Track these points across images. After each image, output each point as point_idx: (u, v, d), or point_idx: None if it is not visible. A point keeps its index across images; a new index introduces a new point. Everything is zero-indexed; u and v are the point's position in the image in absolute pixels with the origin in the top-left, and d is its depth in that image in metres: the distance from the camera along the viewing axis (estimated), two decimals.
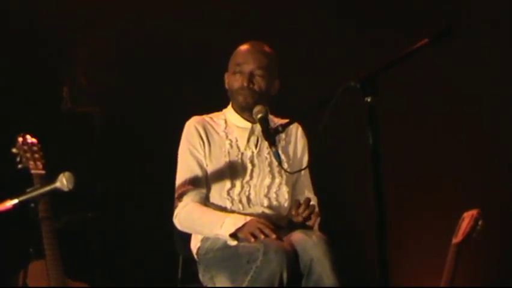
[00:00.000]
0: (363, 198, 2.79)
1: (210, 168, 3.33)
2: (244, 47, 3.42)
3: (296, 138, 3.49)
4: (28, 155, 3.36)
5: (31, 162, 3.34)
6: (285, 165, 3.33)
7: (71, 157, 4.18)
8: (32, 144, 3.39)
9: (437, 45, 2.39)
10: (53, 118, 4.57)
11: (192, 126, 3.39)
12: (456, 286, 3.33)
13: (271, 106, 3.38)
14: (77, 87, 4.67)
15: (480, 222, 3.31)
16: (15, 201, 2.81)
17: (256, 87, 3.34)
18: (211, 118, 3.45)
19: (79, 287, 3.47)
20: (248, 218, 3.14)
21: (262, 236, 3.03)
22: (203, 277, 3.27)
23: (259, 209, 3.29)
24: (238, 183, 3.30)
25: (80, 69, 4.68)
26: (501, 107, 4.59)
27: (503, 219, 4.46)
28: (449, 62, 4.52)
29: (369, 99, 2.34)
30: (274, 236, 3.03)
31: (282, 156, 3.32)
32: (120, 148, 4.72)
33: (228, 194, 3.29)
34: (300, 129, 3.51)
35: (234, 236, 3.12)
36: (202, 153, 3.34)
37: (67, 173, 2.87)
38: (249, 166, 3.33)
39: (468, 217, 3.36)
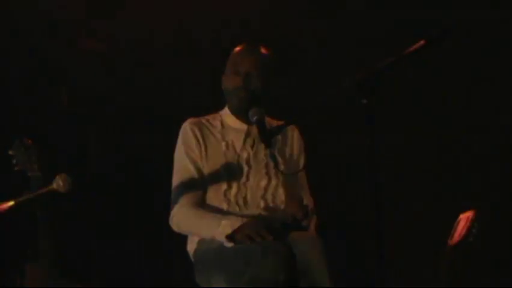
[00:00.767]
0: (363, 198, 2.79)
1: (206, 169, 3.31)
2: (240, 48, 3.40)
3: (292, 140, 3.47)
4: (25, 157, 3.36)
5: (28, 165, 3.34)
6: (281, 167, 3.31)
7: (70, 158, 4.18)
8: (29, 146, 3.40)
9: (436, 46, 2.39)
10: (52, 118, 4.57)
11: (188, 128, 3.37)
12: (454, 287, 3.33)
13: (268, 108, 3.35)
14: (76, 88, 4.68)
15: (476, 224, 3.30)
16: (12, 203, 2.82)
17: (252, 87, 3.31)
18: (207, 120, 3.43)
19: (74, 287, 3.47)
20: (245, 220, 3.13)
21: (258, 238, 3.03)
22: (199, 278, 3.27)
23: (255, 211, 3.27)
24: (234, 184, 3.28)
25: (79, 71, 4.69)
26: (501, 107, 4.58)
27: (503, 219, 4.46)
28: (448, 62, 4.51)
29: (365, 101, 2.35)
30: (270, 237, 3.02)
31: (278, 158, 3.31)
32: (120, 148, 4.73)
33: (225, 195, 3.28)
34: (296, 131, 3.49)
35: (230, 237, 3.11)
36: (199, 154, 3.33)
37: (63, 175, 2.88)
38: (245, 168, 3.31)
39: (464, 219, 3.36)
